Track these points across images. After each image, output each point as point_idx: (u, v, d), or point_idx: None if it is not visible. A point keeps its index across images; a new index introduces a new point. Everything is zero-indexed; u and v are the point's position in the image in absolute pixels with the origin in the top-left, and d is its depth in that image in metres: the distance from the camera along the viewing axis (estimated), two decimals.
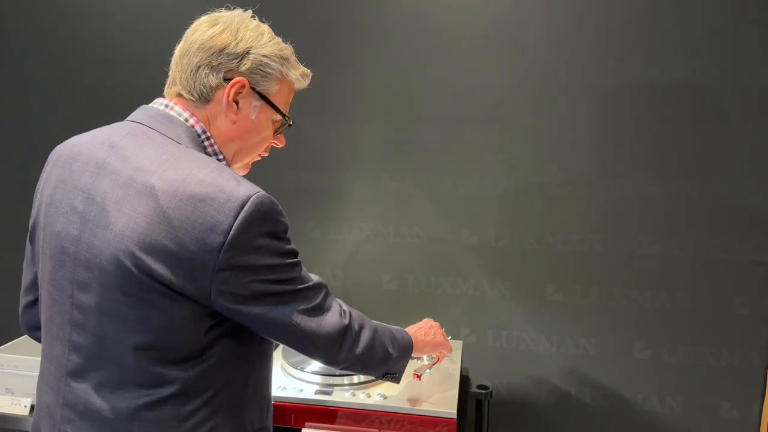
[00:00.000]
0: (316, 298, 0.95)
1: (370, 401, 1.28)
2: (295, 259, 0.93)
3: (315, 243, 1.98)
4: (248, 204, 0.84)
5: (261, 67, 0.97)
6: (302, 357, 1.42)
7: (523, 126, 1.80)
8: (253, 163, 1.11)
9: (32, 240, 1.03)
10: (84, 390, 0.91)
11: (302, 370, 1.38)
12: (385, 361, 1.09)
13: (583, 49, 1.73)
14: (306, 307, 0.93)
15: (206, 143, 0.96)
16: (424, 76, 1.84)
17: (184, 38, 0.98)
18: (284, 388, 1.32)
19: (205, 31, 0.96)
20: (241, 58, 0.96)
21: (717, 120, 1.69)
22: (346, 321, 0.99)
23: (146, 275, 0.84)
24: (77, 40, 2.03)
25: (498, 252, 1.87)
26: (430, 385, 1.38)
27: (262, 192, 0.88)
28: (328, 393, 1.31)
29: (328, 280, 1.97)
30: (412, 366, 1.44)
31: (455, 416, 1.24)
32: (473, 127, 1.82)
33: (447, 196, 1.88)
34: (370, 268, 1.96)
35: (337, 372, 1.36)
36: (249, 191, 0.86)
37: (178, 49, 0.98)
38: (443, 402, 1.28)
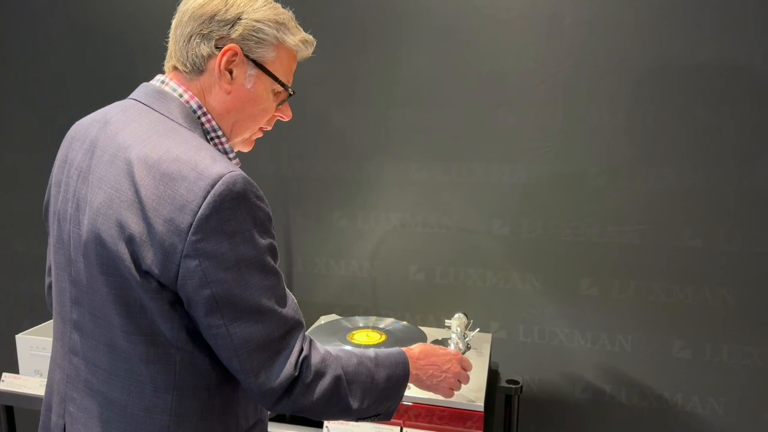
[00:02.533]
0: (277, 331, 0.84)
1: None
2: (272, 263, 0.85)
3: (342, 233, 1.95)
4: (219, 183, 0.78)
5: (254, 33, 0.92)
6: (327, 341, 1.40)
7: (559, 111, 1.73)
8: (257, 139, 1.06)
9: (46, 222, 1.03)
10: (83, 367, 0.90)
11: None
12: (345, 413, 0.93)
13: (623, 29, 1.66)
14: (261, 337, 0.82)
15: (203, 119, 0.93)
16: (455, 60, 1.79)
17: (177, 10, 0.95)
18: None
19: None
20: (233, 24, 0.91)
21: (766, 105, 1.60)
22: (297, 372, 0.85)
23: (118, 255, 0.81)
24: (107, 31, 2.05)
25: (530, 243, 1.81)
26: None
27: (238, 171, 0.81)
28: None
29: (353, 272, 1.98)
30: None
31: (482, 409, 1.19)
32: (506, 113, 1.77)
33: (477, 185, 1.83)
34: (397, 259, 1.93)
35: None
36: (222, 169, 0.80)
37: (174, 21, 0.95)
38: (470, 393, 1.23)
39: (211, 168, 0.80)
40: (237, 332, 0.82)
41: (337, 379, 0.89)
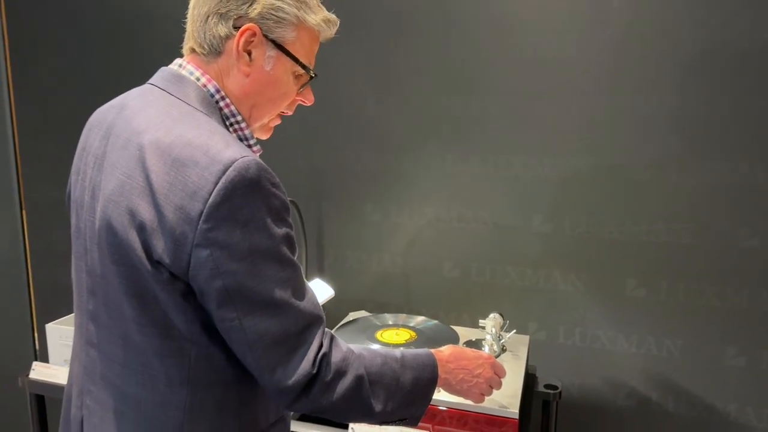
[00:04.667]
0: (295, 326, 0.80)
1: None
2: (288, 253, 0.81)
3: (374, 226, 1.91)
4: (231, 168, 0.74)
5: (273, 12, 0.87)
6: (354, 338, 1.35)
7: (604, 101, 1.64)
8: (276, 126, 1.01)
9: (67, 210, 1.02)
10: (99, 360, 0.88)
11: None
12: (368, 415, 0.89)
13: (675, 12, 1.55)
14: (278, 332, 0.79)
15: (221, 103, 0.89)
16: (495, 49, 1.72)
17: None
18: None
19: None
20: (251, 3, 0.86)
21: None
22: (315, 370, 0.81)
23: (129, 244, 0.78)
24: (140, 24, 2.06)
25: (573, 241, 1.73)
26: None
27: (252, 156, 0.77)
28: None
29: (386, 267, 1.92)
30: None
31: (517, 416, 1.12)
32: (547, 103, 1.69)
33: (517, 179, 1.75)
34: (431, 254, 1.87)
35: None
36: (235, 154, 0.76)
37: (191, 1, 0.91)
38: (504, 398, 1.17)
39: (223, 153, 0.76)
40: (251, 326, 0.78)
41: (359, 379, 0.85)
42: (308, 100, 0.99)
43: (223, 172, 0.74)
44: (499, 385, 1.07)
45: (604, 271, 1.71)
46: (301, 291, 0.82)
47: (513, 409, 1.13)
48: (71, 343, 1.45)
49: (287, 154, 1.94)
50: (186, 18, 0.93)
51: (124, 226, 0.78)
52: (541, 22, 1.66)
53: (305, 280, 0.86)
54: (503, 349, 1.39)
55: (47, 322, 2.36)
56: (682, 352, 1.67)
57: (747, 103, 1.53)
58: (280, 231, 0.79)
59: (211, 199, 0.74)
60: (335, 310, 1.24)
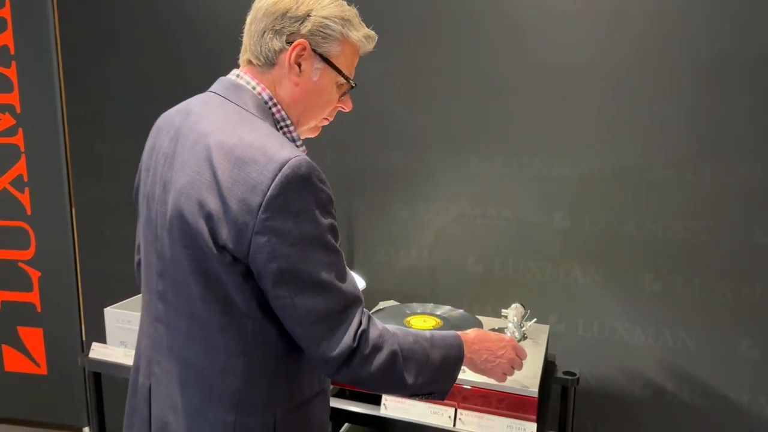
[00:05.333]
0: (337, 304, 0.90)
1: None
2: (333, 241, 0.91)
3: (402, 223, 2.00)
4: (286, 166, 0.86)
5: (321, 29, 0.99)
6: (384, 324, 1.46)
7: (624, 103, 1.71)
8: (323, 126, 1.12)
9: (136, 204, 1.14)
10: (166, 334, 0.99)
11: None
12: (400, 388, 0.98)
13: (694, 19, 1.62)
14: (323, 309, 0.89)
15: (273, 109, 1.00)
16: (518, 52, 1.80)
17: (252, 7, 1.03)
18: None
19: None
20: (302, 21, 0.98)
21: None
22: (356, 343, 0.91)
23: (198, 231, 0.89)
24: (182, 33, 2.19)
25: (592, 238, 1.80)
26: None
27: (303, 156, 0.88)
28: None
29: (413, 261, 2.02)
30: None
31: (536, 395, 1.21)
32: (569, 105, 1.76)
33: (539, 178, 1.83)
34: (456, 249, 1.96)
35: None
36: (289, 154, 0.87)
37: (248, 18, 1.03)
38: (525, 379, 1.26)
39: (279, 153, 0.87)
40: (300, 303, 0.88)
41: (393, 354, 0.94)
42: (347, 107, 1.11)
43: (279, 170, 0.86)
44: (520, 366, 1.16)
45: (623, 267, 1.78)
46: (343, 275, 0.93)
47: (533, 389, 1.22)
48: (127, 326, 1.59)
49: (321, 155, 2.04)
50: (239, 32, 1.04)
51: (194, 215, 0.90)
52: (563, 28, 1.74)
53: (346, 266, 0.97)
54: (524, 337, 1.48)
55: (92, 309, 2.51)
56: (697, 344, 1.73)
57: (762, 106, 1.59)
58: (326, 221, 0.90)
59: (269, 193, 0.85)
60: (365, 301, 1.34)
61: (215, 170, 0.88)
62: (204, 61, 2.17)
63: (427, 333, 1.03)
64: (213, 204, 0.88)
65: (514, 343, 1.16)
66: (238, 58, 1.05)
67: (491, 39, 1.82)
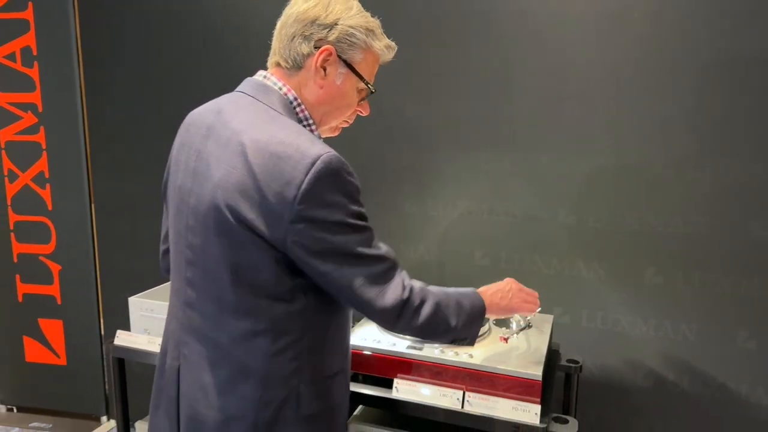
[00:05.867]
0: (379, 267, 1.02)
1: (457, 359, 1.35)
2: (363, 222, 1.01)
3: (412, 218, 2.07)
4: (318, 161, 0.95)
5: (347, 37, 1.07)
6: None
7: (626, 103, 1.77)
8: (343, 128, 1.22)
9: (164, 197, 1.21)
10: (196, 318, 1.07)
11: None
12: (448, 332, 1.12)
13: (693, 20, 1.68)
14: (368, 274, 1.00)
15: (297, 109, 1.08)
16: (524, 54, 1.86)
17: (283, 13, 1.11)
18: (379, 342, 1.43)
19: (300, 5, 1.08)
20: (330, 28, 1.06)
21: None
22: (405, 296, 1.03)
23: (236, 220, 0.97)
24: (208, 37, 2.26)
25: (596, 233, 1.86)
26: (518, 348, 1.42)
27: (332, 152, 0.97)
28: (419, 349, 1.39)
29: (422, 255, 2.09)
30: (499, 332, 1.50)
31: (540, 378, 1.28)
32: (573, 106, 1.82)
33: (544, 176, 1.89)
34: (463, 244, 2.02)
35: None
36: (320, 150, 0.96)
37: (279, 23, 1.11)
38: (530, 365, 1.32)
39: (311, 149, 0.96)
40: (347, 274, 0.99)
41: (436, 304, 1.08)
42: (365, 110, 1.20)
43: (312, 165, 0.94)
44: (531, 293, 1.33)
45: (625, 261, 1.84)
46: (378, 245, 1.04)
47: (537, 373, 1.29)
48: (149, 315, 1.67)
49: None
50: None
51: (231, 207, 0.97)
52: (568, 30, 1.80)
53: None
54: (529, 325, 1.55)
55: (110, 301, 2.59)
56: (697, 336, 1.79)
57: (760, 106, 1.64)
58: (354, 208, 0.99)
59: (303, 186, 0.94)
60: None
61: (251, 165, 0.96)
62: (223, 61, 2.24)
63: (449, 289, 1.15)
64: (250, 196, 0.96)
65: (512, 280, 1.31)
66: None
67: (500, 40, 1.88)
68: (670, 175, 1.76)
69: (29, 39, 2.48)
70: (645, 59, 1.73)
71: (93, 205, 2.59)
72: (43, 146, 2.55)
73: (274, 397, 1.03)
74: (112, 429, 2.71)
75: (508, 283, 1.30)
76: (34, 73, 2.50)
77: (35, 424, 2.76)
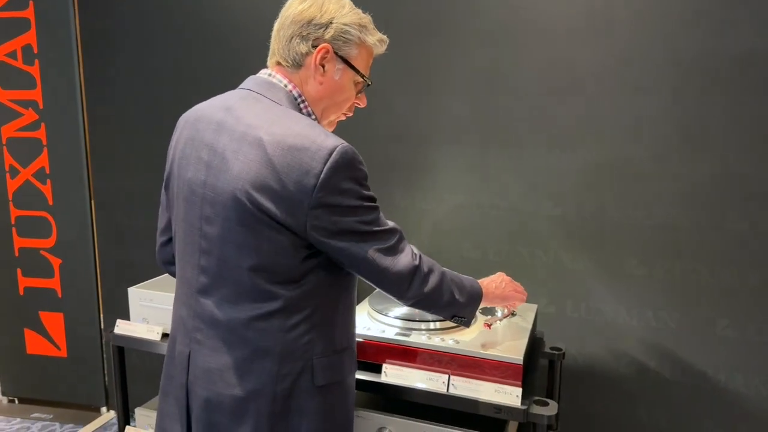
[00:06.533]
0: (391, 240, 1.11)
1: (443, 344, 1.41)
2: (373, 203, 1.10)
3: (402, 211, 2.13)
4: (335, 153, 1.02)
5: (342, 34, 1.13)
6: (386, 304, 1.59)
7: (610, 101, 1.83)
8: (339, 122, 1.27)
9: (167, 189, 1.25)
10: (209, 304, 1.12)
11: (386, 315, 1.54)
12: (452, 303, 1.21)
13: (674, 21, 1.74)
14: (382, 246, 1.09)
15: (302, 105, 1.15)
16: (512, 52, 1.92)
17: (280, 15, 1.17)
18: (369, 329, 1.49)
19: (296, 7, 1.14)
20: (326, 27, 1.12)
21: None
22: (417, 262, 1.13)
23: (257, 209, 1.03)
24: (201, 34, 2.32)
25: (580, 224, 1.92)
26: (502, 334, 1.48)
27: (346, 143, 1.05)
28: (407, 335, 1.45)
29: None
30: (483, 318, 1.56)
31: (521, 362, 1.34)
32: (559, 102, 1.88)
33: (531, 170, 1.95)
34: (452, 237, 2.08)
35: (416, 318, 1.50)
36: (336, 142, 1.03)
37: (276, 25, 1.17)
38: (512, 350, 1.38)
39: (326, 141, 1.03)
40: (364, 248, 1.08)
41: (443, 274, 1.19)
42: (362, 102, 1.26)
43: (329, 156, 1.02)
44: (520, 285, 1.47)
45: (608, 252, 1.90)
46: (385, 221, 1.13)
47: (518, 357, 1.35)
48: (149, 304, 1.73)
49: None
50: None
51: (252, 197, 1.03)
52: (555, 29, 1.86)
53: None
54: (513, 314, 1.61)
55: (110, 294, 2.64)
56: (678, 324, 1.85)
57: (736, 102, 1.71)
58: (365, 193, 1.09)
59: (322, 176, 1.01)
60: (367, 284, 1.48)
61: (270, 158, 1.03)
62: (222, 59, 2.29)
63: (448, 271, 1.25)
64: (270, 187, 1.02)
65: (502, 273, 1.45)
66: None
67: (487, 39, 1.94)
68: (652, 169, 1.82)
69: (30, 37, 2.53)
70: (628, 58, 1.79)
71: (93, 201, 2.64)
72: (44, 142, 2.60)
73: (291, 370, 1.09)
74: (111, 419, 2.77)
75: (500, 276, 1.44)
76: (34, 70, 2.55)
77: (36, 414, 2.81)
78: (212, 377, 1.11)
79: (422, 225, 2.12)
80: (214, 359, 1.11)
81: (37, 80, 2.56)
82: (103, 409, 2.82)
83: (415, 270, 1.13)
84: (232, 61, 2.27)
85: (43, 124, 2.59)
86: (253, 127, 1.06)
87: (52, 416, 2.80)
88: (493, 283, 1.40)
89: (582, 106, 1.87)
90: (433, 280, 1.16)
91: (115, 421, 2.75)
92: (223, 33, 2.28)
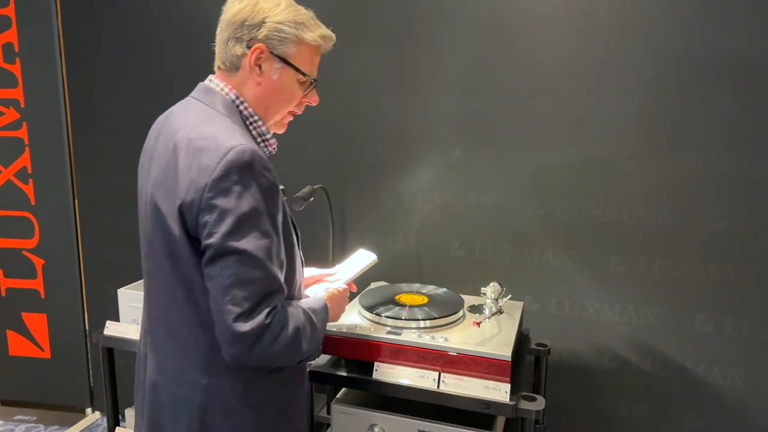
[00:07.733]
0: (261, 284, 0.98)
1: (433, 342, 1.43)
2: (270, 225, 1.00)
3: (390, 212, 2.15)
4: (231, 152, 0.99)
5: (276, 33, 1.11)
6: (376, 301, 1.61)
7: (591, 101, 1.87)
8: (289, 122, 1.25)
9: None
10: (152, 306, 1.15)
11: (377, 314, 1.56)
12: (298, 357, 1.10)
13: (653, 23, 1.78)
14: (247, 286, 0.97)
15: (241, 107, 1.14)
16: (496, 53, 1.95)
17: (220, 19, 1.16)
18: (359, 328, 1.51)
19: (232, 9, 1.14)
20: (259, 27, 1.11)
21: None
22: (268, 321, 0.99)
23: (166, 215, 1.03)
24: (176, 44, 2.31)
25: (563, 223, 1.96)
26: (489, 332, 1.51)
27: (250, 145, 1.01)
28: (398, 334, 1.47)
29: (401, 247, 2.18)
30: (471, 317, 1.59)
31: (509, 359, 1.37)
32: (542, 102, 1.92)
33: (516, 169, 1.99)
34: (439, 235, 2.11)
35: (405, 316, 1.53)
36: (236, 142, 1.00)
37: (217, 29, 1.17)
38: (499, 347, 1.41)
39: (228, 141, 1.01)
40: (227, 275, 0.97)
41: (296, 329, 1.06)
42: (313, 101, 1.23)
43: (225, 154, 0.99)
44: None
45: (591, 249, 1.94)
46: (273, 259, 1.00)
47: (507, 354, 1.38)
48: (138, 305, 1.73)
49: (312, 148, 2.19)
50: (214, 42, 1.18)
51: (164, 201, 1.04)
52: (538, 30, 1.89)
53: (284, 255, 1.06)
54: (500, 311, 1.64)
55: (94, 295, 2.62)
56: (658, 320, 1.91)
57: (714, 102, 1.76)
58: (264, 206, 1.01)
59: (214, 174, 0.98)
60: (356, 283, 1.50)
61: (177, 161, 1.02)
62: (205, 59, 2.28)
63: (305, 304, 1.15)
64: (176, 191, 1.02)
65: (335, 291, 1.34)
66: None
67: (473, 39, 1.97)
68: (632, 167, 1.86)
69: (11, 35, 2.50)
70: (609, 59, 1.84)
71: (76, 200, 2.62)
72: (26, 142, 2.57)
73: (220, 387, 1.08)
74: (96, 420, 2.75)
75: (340, 295, 1.34)
76: (16, 69, 2.52)
77: (20, 416, 2.79)
78: (156, 379, 1.13)
79: (410, 225, 2.14)
80: (158, 362, 1.13)
81: (19, 79, 2.53)
82: (88, 410, 2.80)
83: (263, 330, 1.00)
84: (214, 60, 2.27)
85: (24, 124, 2.56)
86: (174, 132, 1.07)
87: (35, 418, 2.77)
88: (336, 308, 1.32)
89: (566, 106, 1.90)
90: (284, 337, 1.03)
91: (100, 422, 2.73)
92: (208, 33, 2.26)
